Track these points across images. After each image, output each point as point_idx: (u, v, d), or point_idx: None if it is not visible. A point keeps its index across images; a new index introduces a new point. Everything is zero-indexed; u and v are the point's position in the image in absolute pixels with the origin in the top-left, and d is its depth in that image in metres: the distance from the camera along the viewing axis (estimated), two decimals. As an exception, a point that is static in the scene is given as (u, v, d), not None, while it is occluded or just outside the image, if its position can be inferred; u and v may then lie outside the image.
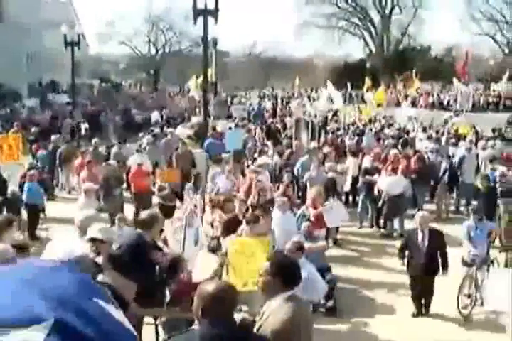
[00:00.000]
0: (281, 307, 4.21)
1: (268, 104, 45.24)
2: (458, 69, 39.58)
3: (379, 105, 34.57)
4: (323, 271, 9.36)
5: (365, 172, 15.15)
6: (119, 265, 5.65)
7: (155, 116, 35.81)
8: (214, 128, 23.61)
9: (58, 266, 1.36)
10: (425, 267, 9.36)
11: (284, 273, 4.29)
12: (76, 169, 16.09)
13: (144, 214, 7.23)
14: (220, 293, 3.67)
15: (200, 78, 26.98)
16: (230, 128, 23.17)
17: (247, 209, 10.84)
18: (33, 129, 26.05)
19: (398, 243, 12.75)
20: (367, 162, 16.09)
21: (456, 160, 17.13)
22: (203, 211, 10.37)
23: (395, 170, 14.65)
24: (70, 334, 1.16)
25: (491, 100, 41.97)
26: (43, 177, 15.67)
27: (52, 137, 20.06)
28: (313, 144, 18.18)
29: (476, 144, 20.34)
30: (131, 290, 5.47)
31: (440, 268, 9.42)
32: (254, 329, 4.12)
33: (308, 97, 43.99)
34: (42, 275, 1.29)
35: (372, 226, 14.87)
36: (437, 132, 24.43)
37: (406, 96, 43.84)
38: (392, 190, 14.05)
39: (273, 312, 4.19)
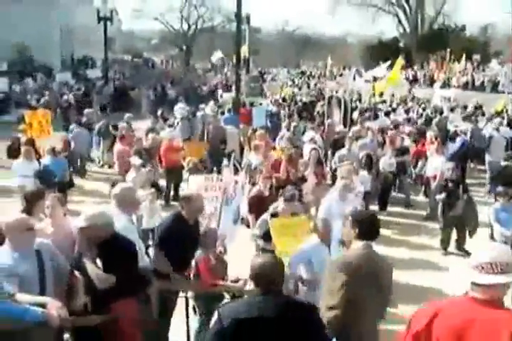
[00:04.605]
0: (352, 250, 5.11)
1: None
2: None
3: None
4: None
5: (399, 152, 14.97)
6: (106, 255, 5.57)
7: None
8: (244, 104, 23.68)
9: None
10: None
11: (359, 226, 5.07)
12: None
13: (183, 192, 7.38)
14: (269, 264, 4.23)
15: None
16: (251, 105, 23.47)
17: (271, 187, 10.77)
18: (65, 97, 26.27)
19: (434, 225, 12.74)
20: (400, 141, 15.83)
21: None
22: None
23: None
24: None
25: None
26: (70, 153, 15.81)
27: (86, 111, 20.18)
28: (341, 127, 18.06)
29: (509, 125, 20.04)
30: (107, 281, 5.40)
31: None
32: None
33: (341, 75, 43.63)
34: None
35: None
36: (471, 114, 23.89)
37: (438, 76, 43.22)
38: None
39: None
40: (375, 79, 28.38)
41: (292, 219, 8.27)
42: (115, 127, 18.12)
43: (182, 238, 6.56)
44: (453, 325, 3.49)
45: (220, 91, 36.35)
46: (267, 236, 8.10)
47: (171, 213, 7.12)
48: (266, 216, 8.46)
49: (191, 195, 7.02)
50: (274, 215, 8.37)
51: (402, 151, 14.92)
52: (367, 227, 5.10)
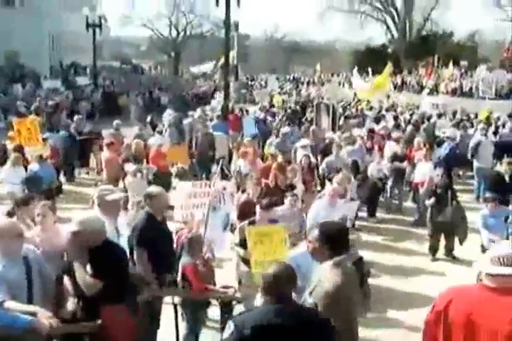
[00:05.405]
0: (331, 272, 4.65)
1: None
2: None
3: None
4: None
5: (394, 159, 14.99)
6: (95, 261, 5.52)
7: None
8: (233, 111, 23.65)
9: None
10: None
11: (331, 240, 4.71)
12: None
13: (146, 190, 7.36)
14: (279, 273, 4.19)
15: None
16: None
17: (261, 193, 10.75)
18: (49, 102, 26.15)
19: (422, 231, 12.76)
20: (395, 147, 15.84)
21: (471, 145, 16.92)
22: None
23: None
24: None
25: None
26: (57, 160, 15.76)
27: (75, 117, 20.14)
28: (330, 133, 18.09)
29: (495, 132, 20.14)
30: (94, 287, 5.36)
31: None
32: (307, 293, 4.72)
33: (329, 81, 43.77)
34: None
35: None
36: (459, 121, 23.89)
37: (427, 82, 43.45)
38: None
39: (323, 277, 4.68)
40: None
41: (268, 227, 8.04)
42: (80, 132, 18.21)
43: (156, 235, 6.70)
44: (467, 308, 4.10)
45: (217, 96, 36.24)
46: (243, 244, 7.94)
47: (142, 213, 7.19)
48: (244, 223, 8.31)
49: (153, 192, 7.05)
50: (251, 223, 8.18)
51: (400, 158, 14.97)
52: (338, 241, 4.80)
